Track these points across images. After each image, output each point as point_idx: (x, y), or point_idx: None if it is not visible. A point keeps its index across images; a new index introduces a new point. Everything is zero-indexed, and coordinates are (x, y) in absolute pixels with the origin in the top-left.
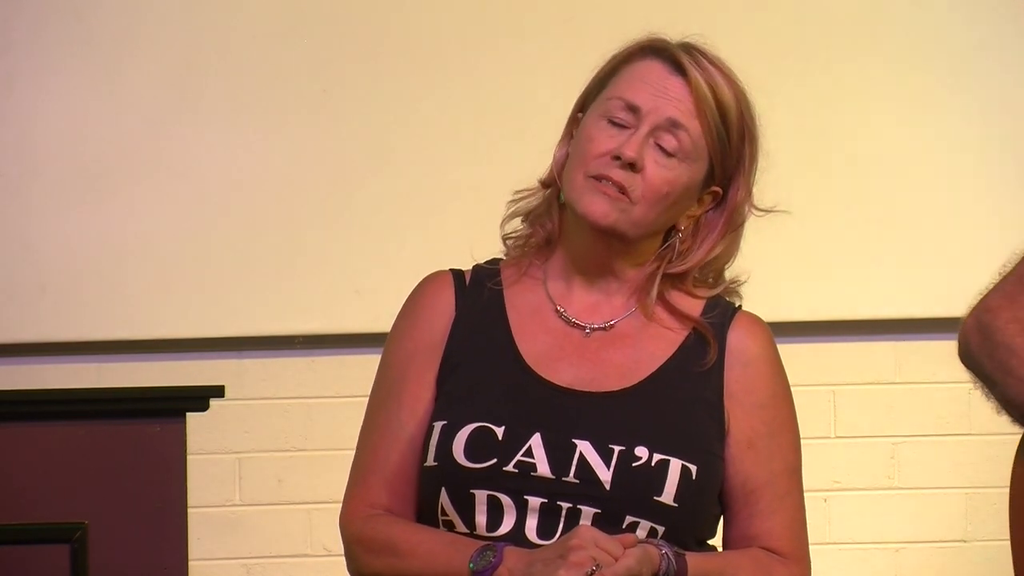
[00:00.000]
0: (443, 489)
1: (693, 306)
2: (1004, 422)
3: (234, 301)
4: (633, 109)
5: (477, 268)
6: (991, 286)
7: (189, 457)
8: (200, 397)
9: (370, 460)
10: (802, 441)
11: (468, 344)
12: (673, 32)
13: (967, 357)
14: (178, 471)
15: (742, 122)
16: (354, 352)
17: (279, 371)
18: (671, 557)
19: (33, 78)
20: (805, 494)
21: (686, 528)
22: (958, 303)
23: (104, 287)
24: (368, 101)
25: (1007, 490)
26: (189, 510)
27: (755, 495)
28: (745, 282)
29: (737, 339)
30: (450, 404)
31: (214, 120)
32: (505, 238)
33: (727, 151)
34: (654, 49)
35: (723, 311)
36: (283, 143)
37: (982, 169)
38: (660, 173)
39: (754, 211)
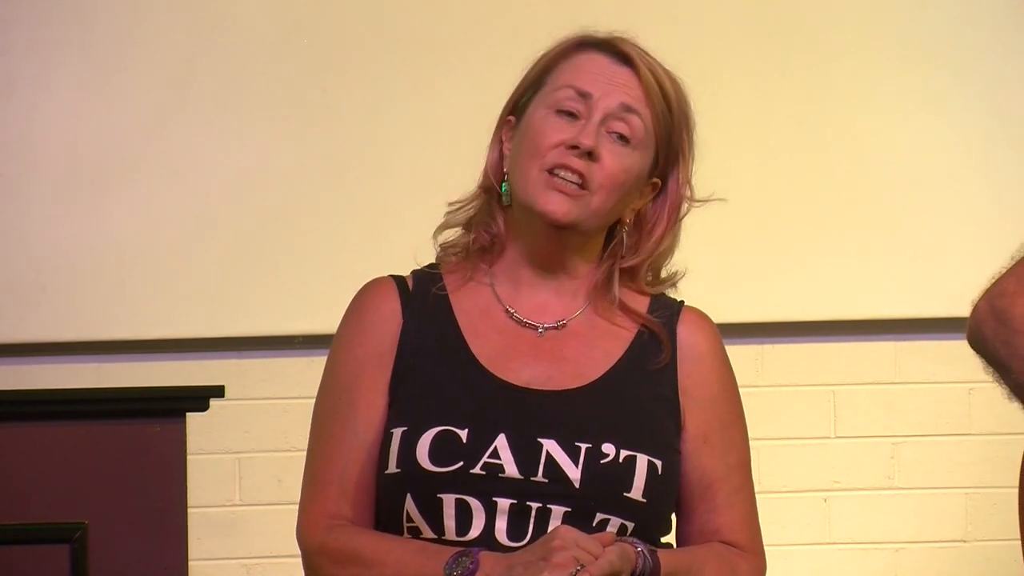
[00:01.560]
0: (408, 495)
1: (640, 303)
2: (1004, 422)
3: (234, 301)
4: (584, 96)
5: (417, 273)
6: (1004, 270)
7: (189, 457)
8: (200, 397)
9: (326, 470)
10: (802, 441)
11: (419, 349)
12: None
13: (979, 343)
14: (178, 471)
15: (682, 111)
16: None
17: (279, 371)
18: (646, 554)
19: (33, 79)
20: (805, 494)
21: (653, 524)
22: (958, 303)
23: (104, 287)
24: (368, 101)
25: (1007, 490)
26: (189, 510)
27: (711, 490)
28: (683, 276)
29: (686, 335)
30: (407, 409)
31: (214, 120)
32: (445, 246)
33: (671, 140)
34: (593, 43)
35: (669, 307)
36: (283, 143)
37: (982, 169)
38: (617, 161)
39: (692, 203)
